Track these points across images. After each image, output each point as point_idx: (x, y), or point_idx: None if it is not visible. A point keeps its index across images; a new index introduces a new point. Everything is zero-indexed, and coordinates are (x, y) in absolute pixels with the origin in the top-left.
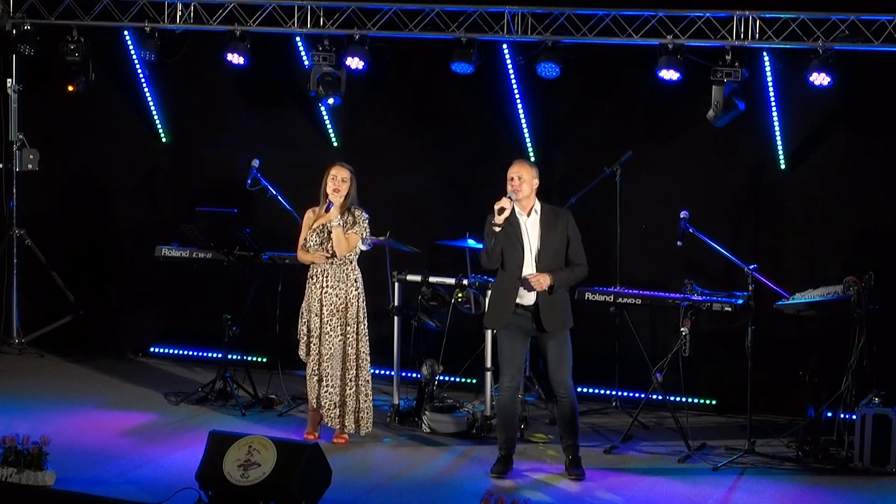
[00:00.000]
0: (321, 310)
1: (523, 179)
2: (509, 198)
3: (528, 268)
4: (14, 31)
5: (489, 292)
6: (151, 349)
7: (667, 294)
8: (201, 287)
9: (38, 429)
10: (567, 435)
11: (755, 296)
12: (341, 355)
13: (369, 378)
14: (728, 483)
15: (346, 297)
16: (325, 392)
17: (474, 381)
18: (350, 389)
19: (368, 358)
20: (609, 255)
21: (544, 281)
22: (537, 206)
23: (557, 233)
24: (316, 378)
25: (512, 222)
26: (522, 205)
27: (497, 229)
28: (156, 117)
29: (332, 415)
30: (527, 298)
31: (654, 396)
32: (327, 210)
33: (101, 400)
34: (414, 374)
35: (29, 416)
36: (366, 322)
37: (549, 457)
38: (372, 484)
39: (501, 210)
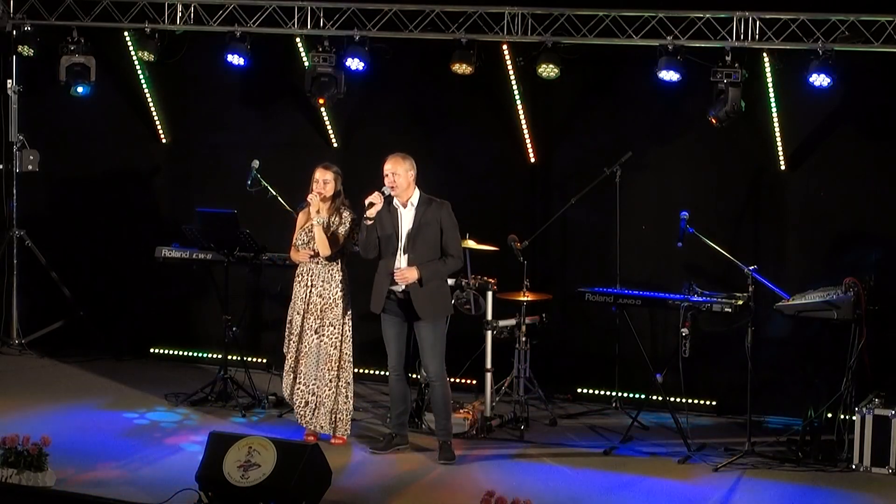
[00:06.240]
0: (305, 308)
1: (397, 174)
2: (382, 192)
3: (401, 257)
4: (14, 32)
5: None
6: (151, 350)
7: (667, 295)
8: (201, 287)
9: (39, 429)
10: (437, 419)
11: (755, 297)
12: (317, 354)
13: (351, 380)
14: (728, 484)
15: (331, 297)
16: (298, 390)
17: (474, 381)
18: (329, 390)
19: (351, 360)
20: (609, 256)
21: (409, 275)
22: (415, 198)
23: (431, 224)
24: (292, 376)
25: (391, 213)
26: (401, 198)
27: (368, 223)
28: (156, 118)
29: (302, 412)
30: (399, 286)
31: (654, 397)
32: (302, 209)
33: (101, 400)
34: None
35: (29, 416)
36: (350, 324)
37: (550, 458)
38: (371, 484)
39: (371, 205)
